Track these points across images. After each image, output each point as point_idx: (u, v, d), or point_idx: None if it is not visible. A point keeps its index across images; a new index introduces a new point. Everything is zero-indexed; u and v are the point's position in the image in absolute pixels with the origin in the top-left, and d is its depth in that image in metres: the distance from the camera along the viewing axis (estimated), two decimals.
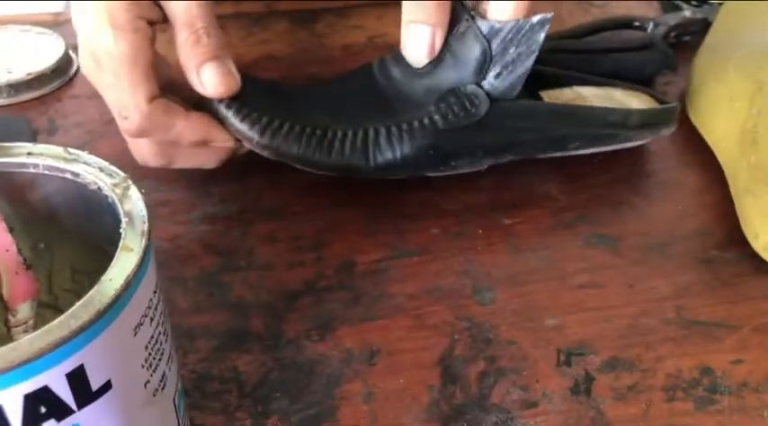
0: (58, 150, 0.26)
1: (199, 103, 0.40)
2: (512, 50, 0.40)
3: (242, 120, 0.40)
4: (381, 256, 0.40)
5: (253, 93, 0.40)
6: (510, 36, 0.40)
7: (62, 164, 0.26)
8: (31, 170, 0.26)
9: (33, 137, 0.46)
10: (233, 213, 0.43)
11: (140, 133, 0.38)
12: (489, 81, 0.41)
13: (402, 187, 0.45)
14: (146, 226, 0.23)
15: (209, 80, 0.39)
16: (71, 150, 0.26)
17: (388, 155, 0.41)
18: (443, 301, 0.38)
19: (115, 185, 0.25)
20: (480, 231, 0.42)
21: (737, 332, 0.37)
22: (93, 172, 0.26)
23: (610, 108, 0.45)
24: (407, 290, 0.38)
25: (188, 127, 0.39)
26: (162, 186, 0.44)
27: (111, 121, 0.42)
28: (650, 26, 0.58)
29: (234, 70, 0.40)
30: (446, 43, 0.41)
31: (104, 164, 0.26)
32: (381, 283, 0.39)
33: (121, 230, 0.23)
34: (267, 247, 0.40)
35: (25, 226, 0.28)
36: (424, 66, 0.42)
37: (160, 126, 0.38)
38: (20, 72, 0.51)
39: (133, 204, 0.24)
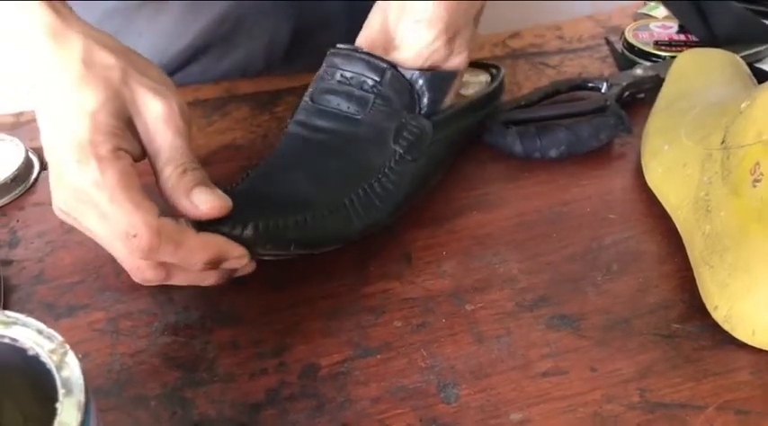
0: None
1: None
2: (430, 94, 0.48)
3: (273, 233, 0.40)
4: (345, 357, 0.40)
5: (251, 207, 0.41)
6: (427, 83, 0.48)
7: (0, 330, 0.26)
8: None
9: None
10: (194, 321, 0.43)
11: (151, 249, 0.37)
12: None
13: (362, 277, 0.45)
14: (83, 397, 0.24)
15: (202, 199, 0.39)
16: (9, 313, 0.26)
17: (393, 198, 0.46)
18: (408, 402, 0.38)
19: (52, 351, 0.25)
20: (443, 320, 0.42)
21: (702, 413, 0.37)
22: (32, 336, 0.26)
23: (487, 92, 0.55)
24: (372, 393, 0.38)
25: (200, 243, 0.38)
26: (124, 297, 0.44)
27: (72, 230, 0.42)
28: (604, 86, 0.59)
29: (222, 193, 0.40)
30: (377, 91, 0.47)
31: (42, 326, 0.26)
32: (345, 386, 0.39)
33: (57, 405, 0.23)
34: (229, 356, 0.40)
35: None
36: (362, 115, 0.47)
37: (172, 240, 0.37)
38: None
39: (71, 371, 0.25)
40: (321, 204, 0.43)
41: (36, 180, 0.54)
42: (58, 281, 0.46)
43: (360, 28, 0.52)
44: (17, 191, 0.52)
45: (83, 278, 0.45)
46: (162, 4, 0.63)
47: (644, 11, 0.72)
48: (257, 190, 0.44)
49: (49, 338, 0.26)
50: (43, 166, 0.55)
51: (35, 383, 0.28)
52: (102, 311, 0.43)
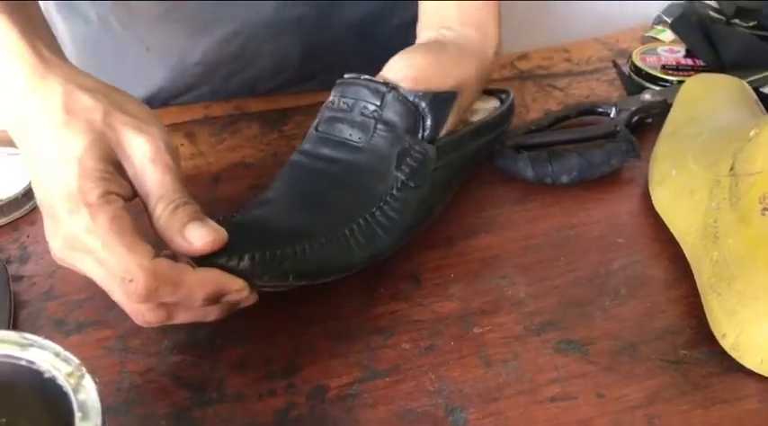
0: (15, 336, 0.26)
1: None
2: (432, 116, 0.48)
3: (270, 264, 0.39)
4: (353, 379, 0.40)
5: (248, 238, 0.40)
6: (429, 105, 0.48)
7: (18, 352, 0.26)
8: None
9: (5, 268, 0.46)
10: (203, 340, 0.43)
11: (149, 293, 0.36)
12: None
13: (371, 298, 0.45)
14: (99, 421, 0.24)
15: (196, 234, 0.38)
16: (27, 336, 0.27)
17: (397, 228, 0.45)
18: None
19: (69, 374, 0.25)
20: (452, 343, 0.42)
21: None
22: (49, 358, 0.26)
23: (493, 117, 0.55)
24: (380, 416, 0.38)
25: (198, 280, 0.37)
26: None
27: None
28: (613, 111, 0.59)
29: (217, 226, 0.39)
30: (377, 115, 0.47)
31: (59, 349, 0.26)
32: (353, 409, 0.39)
33: None
34: (238, 376, 0.41)
35: None
36: (363, 142, 0.47)
37: (169, 281, 0.36)
38: None
39: (87, 394, 0.25)
40: (320, 234, 0.42)
41: None
42: (68, 297, 0.46)
43: (368, 48, 0.53)
44: (28, 207, 0.53)
45: (92, 294, 0.46)
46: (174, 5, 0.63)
47: (651, 34, 0.73)
48: (254, 220, 0.44)
49: (66, 361, 0.26)
50: None
51: (51, 405, 0.28)
52: (112, 328, 0.44)
